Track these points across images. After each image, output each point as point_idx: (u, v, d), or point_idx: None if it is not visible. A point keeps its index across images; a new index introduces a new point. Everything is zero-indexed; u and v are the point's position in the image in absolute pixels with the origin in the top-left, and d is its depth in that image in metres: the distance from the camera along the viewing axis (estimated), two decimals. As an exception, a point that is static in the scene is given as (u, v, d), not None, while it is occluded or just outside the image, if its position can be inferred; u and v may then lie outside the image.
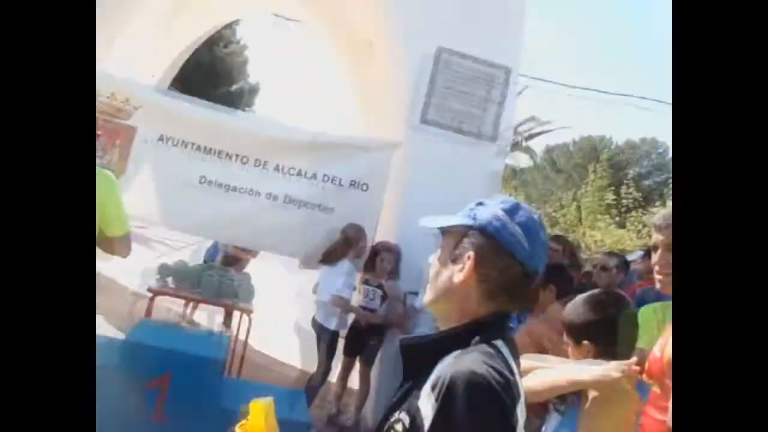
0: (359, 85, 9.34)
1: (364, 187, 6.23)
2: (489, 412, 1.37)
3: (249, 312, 5.94)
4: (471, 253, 1.57)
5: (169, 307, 7.50)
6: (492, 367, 1.42)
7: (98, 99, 5.92)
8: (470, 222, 1.61)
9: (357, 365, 6.08)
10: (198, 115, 6.19)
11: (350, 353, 6.01)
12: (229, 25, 22.75)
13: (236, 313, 6.64)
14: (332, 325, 5.71)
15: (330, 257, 5.82)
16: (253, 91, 35.40)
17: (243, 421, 2.01)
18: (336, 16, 9.41)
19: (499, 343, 1.52)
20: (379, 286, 5.72)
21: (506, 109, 6.43)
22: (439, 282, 1.63)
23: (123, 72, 6.58)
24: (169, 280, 5.95)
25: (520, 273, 1.56)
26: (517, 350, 1.59)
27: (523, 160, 32.79)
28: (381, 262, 5.76)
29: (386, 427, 1.52)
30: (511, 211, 1.60)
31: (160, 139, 6.02)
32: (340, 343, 5.95)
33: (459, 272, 1.57)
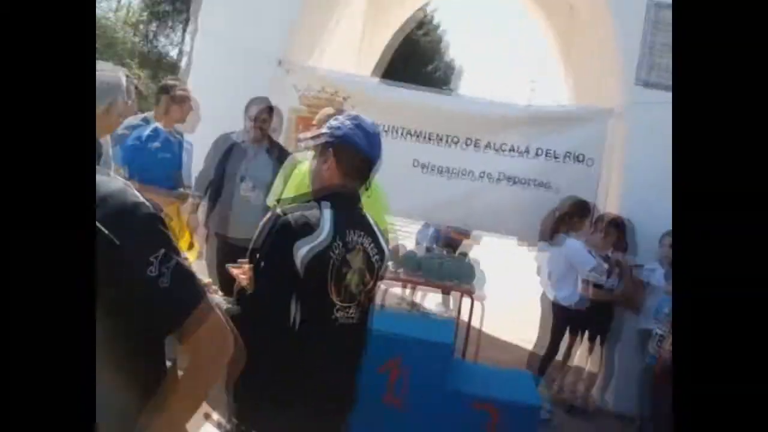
0: (565, 53, 9.01)
1: (581, 158, 5.98)
2: (277, 237, 2.27)
3: (470, 293, 5.90)
4: (331, 149, 2.42)
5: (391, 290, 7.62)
6: (299, 213, 2.31)
7: (309, 94, 6.14)
8: (327, 131, 2.46)
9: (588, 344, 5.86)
10: (406, 100, 6.24)
11: (578, 331, 5.79)
12: (421, 7, 22.93)
13: (458, 296, 6.62)
14: (563, 302, 5.53)
15: (550, 233, 5.62)
16: (451, 69, 35.48)
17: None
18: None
19: (324, 203, 2.37)
20: (606, 261, 5.44)
21: (732, 60, 5.87)
22: (315, 173, 2.50)
23: (329, 67, 6.76)
24: (390, 264, 6.04)
25: (361, 159, 2.43)
26: (352, 214, 2.46)
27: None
28: (606, 236, 5.48)
29: None
30: (353, 119, 2.47)
31: (371, 127, 6.11)
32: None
33: (324, 163, 2.44)
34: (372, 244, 2.48)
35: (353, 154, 2.42)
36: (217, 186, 5.25)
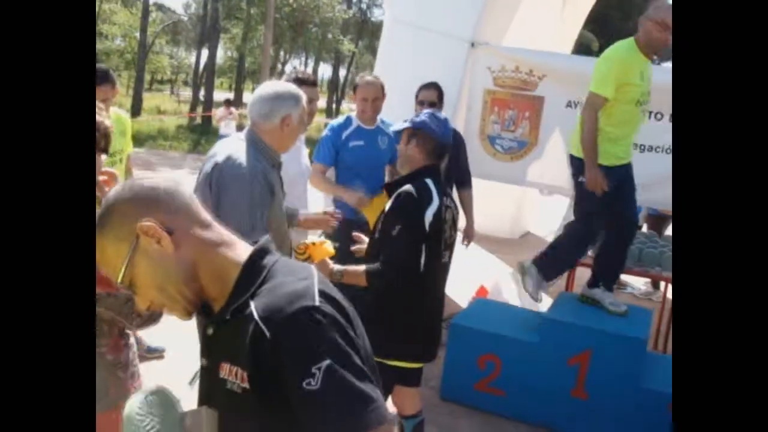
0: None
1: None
2: (406, 206, 3.12)
3: (671, 281, 5.53)
4: (415, 140, 3.22)
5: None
6: (415, 188, 3.12)
7: (504, 74, 6.03)
8: (410, 125, 3.24)
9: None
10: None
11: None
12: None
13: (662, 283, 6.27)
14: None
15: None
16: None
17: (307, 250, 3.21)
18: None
19: (428, 180, 3.20)
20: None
21: None
22: (404, 156, 3.27)
23: (524, 44, 6.58)
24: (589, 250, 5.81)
25: (438, 145, 3.24)
26: (443, 185, 3.27)
27: None
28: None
29: None
30: (430, 114, 3.27)
31: (568, 105, 5.92)
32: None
33: (414, 148, 3.23)
34: (452, 203, 3.34)
35: (431, 140, 3.21)
36: None
